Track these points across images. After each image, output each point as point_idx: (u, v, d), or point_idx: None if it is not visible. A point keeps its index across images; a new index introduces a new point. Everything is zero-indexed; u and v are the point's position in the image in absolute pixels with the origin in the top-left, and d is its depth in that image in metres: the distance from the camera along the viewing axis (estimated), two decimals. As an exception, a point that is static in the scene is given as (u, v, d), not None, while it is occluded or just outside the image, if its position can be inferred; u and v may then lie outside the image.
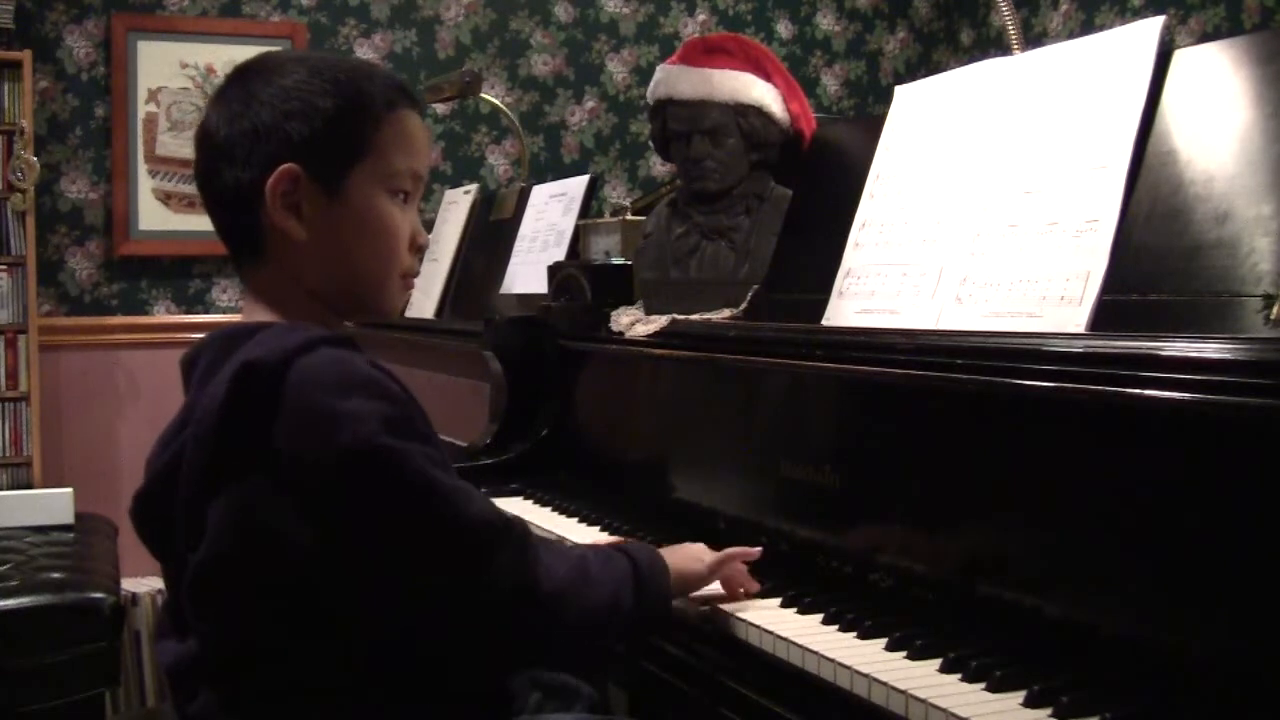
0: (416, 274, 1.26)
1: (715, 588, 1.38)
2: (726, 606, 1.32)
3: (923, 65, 5.41)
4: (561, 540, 1.62)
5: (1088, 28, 4.69)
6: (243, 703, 1.11)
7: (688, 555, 1.36)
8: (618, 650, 1.38)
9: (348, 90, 1.17)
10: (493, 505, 1.17)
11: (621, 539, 1.55)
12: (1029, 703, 1.01)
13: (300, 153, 1.15)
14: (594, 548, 1.29)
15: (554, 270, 2.26)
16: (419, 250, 1.24)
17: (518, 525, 1.16)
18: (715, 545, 1.43)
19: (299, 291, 1.19)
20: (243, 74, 1.20)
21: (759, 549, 1.41)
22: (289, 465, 1.06)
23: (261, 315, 1.19)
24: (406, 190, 1.21)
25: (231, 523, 1.08)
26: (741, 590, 1.37)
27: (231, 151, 1.16)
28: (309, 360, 1.08)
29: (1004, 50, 2.02)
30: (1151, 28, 1.36)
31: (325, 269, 1.19)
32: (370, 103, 1.18)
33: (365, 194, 1.18)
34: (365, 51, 4.68)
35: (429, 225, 3.54)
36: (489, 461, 2.07)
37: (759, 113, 2.00)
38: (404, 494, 1.08)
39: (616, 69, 5.04)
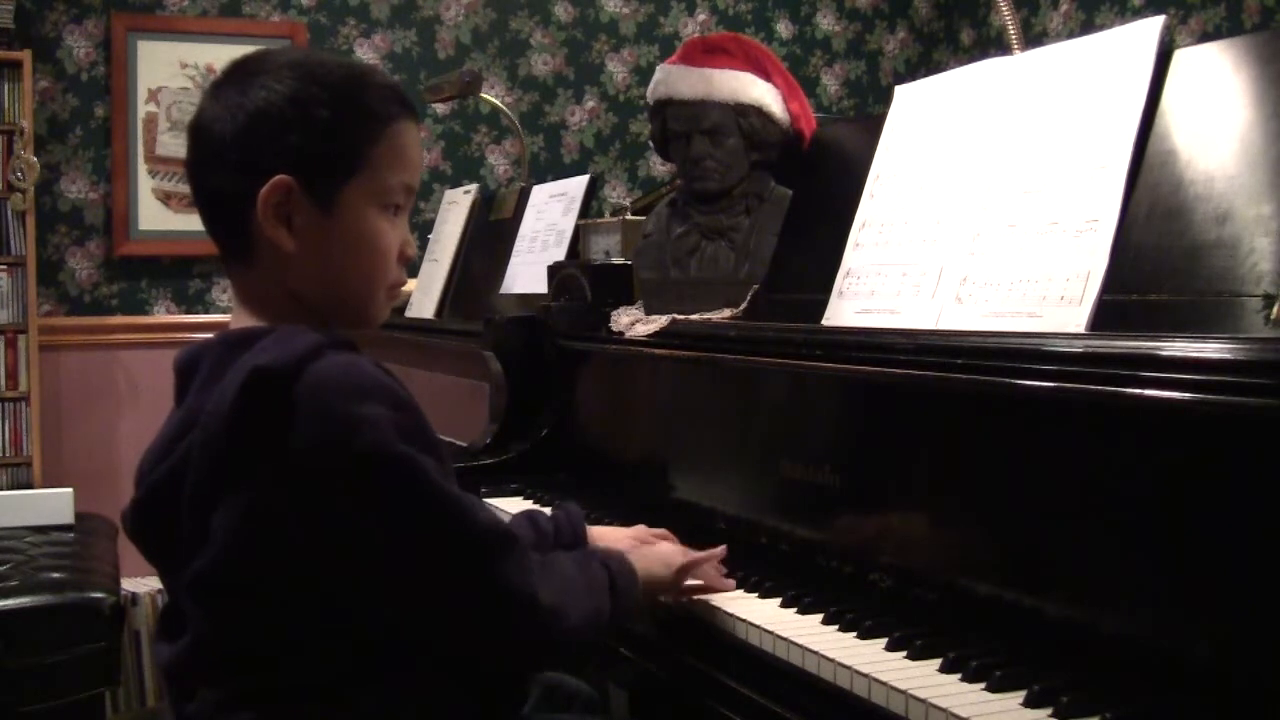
0: (404, 284, 1.25)
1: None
2: (726, 606, 1.32)
3: (923, 65, 5.41)
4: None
5: (1088, 28, 4.69)
6: (241, 702, 1.11)
7: (657, 559, 1.36)
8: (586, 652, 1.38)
9: (346, 102, 1.16)
10: (497, 516, 1.18)
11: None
12: (1029, 703, 1.01)
13: (295, 165, 1.14)
14: (571, 555, 1.29)
15: (554, 270, 2.26)
16: (406, 261, 1.23)
17: (518, 537, 1.17)
18: (710, 544, 1.44)
19: (287, 298, 1.19)
20: (241, 70, 1.18)
21: (723, 547, 1.42)
22: (301, 470, 1.06)
23: (251, 319, 1.19)
24: (398, 204, 1.20)
25: (238, 527, 1.08)
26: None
27: (226, 153, 1.15)
28: (320, 366, 1.08)
29: (1004, 50, 2.02)
30: (1151, 28, 1.36)
31: (313, 279, 1.18)
32: (368, 116, 1.17)
33: (357, 210, 1.17)
34: (365, 51, 4.68)
35: (429, 225, 3.54)
36: (489, 461, 2.07)
37: (759, 113, 2.00)
38: (417, 500, 1.08)
39: (616, 69, 5.04)
